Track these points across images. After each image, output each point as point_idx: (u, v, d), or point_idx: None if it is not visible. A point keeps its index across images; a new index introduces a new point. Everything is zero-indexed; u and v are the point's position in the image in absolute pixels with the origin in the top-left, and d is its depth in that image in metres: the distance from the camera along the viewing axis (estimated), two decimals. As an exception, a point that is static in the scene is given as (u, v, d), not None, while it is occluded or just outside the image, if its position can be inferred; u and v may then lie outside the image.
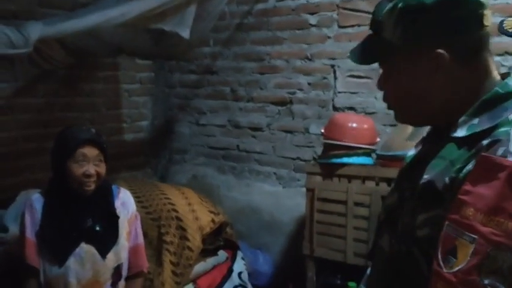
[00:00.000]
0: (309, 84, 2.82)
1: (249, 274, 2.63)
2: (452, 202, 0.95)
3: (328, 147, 2.29)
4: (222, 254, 2.52)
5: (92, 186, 1.84)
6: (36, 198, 1.89)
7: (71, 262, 1.81)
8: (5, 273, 2.06)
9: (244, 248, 2.81)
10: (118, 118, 3.31)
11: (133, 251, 1.98)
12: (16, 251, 1.91)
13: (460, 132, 0.91)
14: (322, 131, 2.34)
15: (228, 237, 2.60)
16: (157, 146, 3.56)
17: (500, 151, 0.79)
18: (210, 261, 2.43)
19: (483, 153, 0.82)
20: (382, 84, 1.00)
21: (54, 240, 1.83)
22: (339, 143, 2.21)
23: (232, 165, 3.23)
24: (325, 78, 2.73)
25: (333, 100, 2.72)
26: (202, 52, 3.26)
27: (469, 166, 0.86)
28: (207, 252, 2.41)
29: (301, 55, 2.81)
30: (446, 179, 0.98)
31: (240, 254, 2.63)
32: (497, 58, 2.21)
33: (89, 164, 1.80)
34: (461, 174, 0.95)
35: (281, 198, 2.92)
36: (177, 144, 3.52)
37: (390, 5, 1.01)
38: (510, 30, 0.72)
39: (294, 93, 2.88)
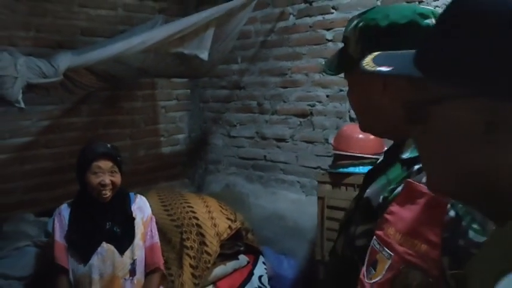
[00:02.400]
0: (327, 96, 2.93)
1: (271, 278, 2.78)
2: (380, 219, 1.07)
3: (336, 157, 2.41)
4: (243, 259, 2.69)
5: (108, 194, 2.10)
6: (64, 208, 2.19)
7: (94, 260, 2.07)
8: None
9: (270, 253, 2.97)
10: (156, 133, 3.59)
11: (149, 250, 2.21)
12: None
13: (405, 154, 0.96)
14: (332, 142, 2.45)
15: (250, 242, 2.76)
16: (194, 157, 3.81)
17: (424, 179, 0.82)
18: (230, 265, 2.61)
19: (408, 179, 0.88)
20: (347, 93, 1.08)
21: (79, 242, 2.11)
22: (345, 153, 2.32)
23: (260, 175, 3.40)
24: (341, 90, 2.84)
25: (349, 111, 2.82)
26: (231, 69, 3.47)
27: (399, 188, 0.91)
28: (226, 256, 2.59)
29: (319, 69, 2.94)
30: (381, 198, 1.09)
31: (261, 259, 2.78)
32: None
33: (105, 174, 2.07)
34: (391, 195, 1.06)
35: (304, 206, 3.05)
36: (211, 156, 3.75)
37: (355, 22, 1.12)
38: (368, 68, 0.77)
39: (313, 105, 3.01)
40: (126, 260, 2.12)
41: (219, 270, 2.55)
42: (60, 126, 3.03)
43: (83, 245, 2.10)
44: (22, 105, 1.86)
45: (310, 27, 2.96)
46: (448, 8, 0.58)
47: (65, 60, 2.03)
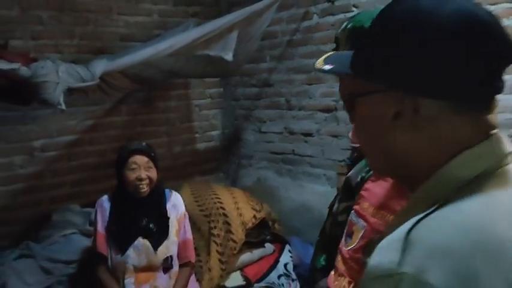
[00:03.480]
0: (349, 91, 3.03)
1: (297, 266, 2.92)
2: (357, 196, 1.23)
3: (353, 150, 2.51)
4: (269, 247, 2.86)
5: (145, 189, 2.28)
6: (105, 200, 2.39)
7: (130, 252, 2.26)
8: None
9: (298, 242, 3.11)
10: (191, 130, 3.81)
11: (182, 245, 2.39)
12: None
13: None
14: (350, 135, 2.55)
15: (277, 232, 2.92)
16: (227, 152, 4.00)
17: None
18: (257, 252, 2.78)
19: None
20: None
21: (118, 235, 2.30)
22: (359, 146, 2.42)
23: (289, 168, 3.55)
24: (363, 85, 2.92)
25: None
26: (260, 68, 3.63)
27: None
28: (253, 244, 2.76)
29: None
30: (359, 177, 1.25)
31: (287, 247, 2.93)
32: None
33: (141, 169, 2.25)
34: (367, 175, 1.23)
35: (330, 198, 3.13)
36: (243, 151, 3.93)
37: (345, 24, 1.25)
38: (317, 66, 0.88)
39: (337, 100, 3.11)
40: (160, 255, 2.29)
41: (246, 257, 2.72)
42: (102, 125, 3.30)
43: (120, 237, 2.29)
44: (63, 107, 2.10)
45: (333, 25, 3.06)
46: (374, 19, 0.72)
47: (101, 66, 2.26)
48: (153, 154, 2.31)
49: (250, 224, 2.70)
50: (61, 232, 2.78)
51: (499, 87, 0.67)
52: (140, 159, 2.25)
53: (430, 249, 0.55)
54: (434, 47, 0.62)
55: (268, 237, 2.85)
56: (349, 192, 1.30)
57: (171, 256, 2.31)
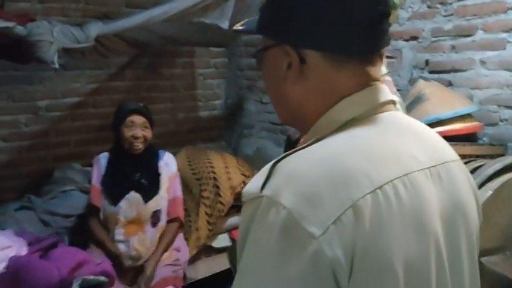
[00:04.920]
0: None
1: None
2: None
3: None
4: (258, 212, 2.94)
5: (140, 146, 2.42)
6: (103, 156, 2.55)
7: (122, 204, 2.41)
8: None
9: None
10: (194, 98, 3.89)
11: (172, 202, 2.52)
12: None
13: None
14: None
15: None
16: (230, 121, 4.08)
17: None
18: (245, 216, 2.87)
19: None
20: None
21: (111, 187, 2.46)
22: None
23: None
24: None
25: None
26: (264, 38, 3.66)
27: None
28: (241, 208, 2.84)
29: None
30: (298, 134, 1.34)
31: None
32: (504, 35, 2.25)
33: (137, 128, 2.39)
34: None
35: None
36: (245, 120, 4.00)
37: None
38: (234, 27, 0.95)
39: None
40: (150, 208, 2.44)
41: (234, 220, 2.82)
42: (106, 89, 3.41)
43: (114, 189, 2.45)
44: (57, 66, 2.20)
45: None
46: None
47: (95, 28, 2.35)
48: (149, 115, 2.44)
49: (239, 189, 2.79)
50: (61, 188, 2.92)
51: (380, 42, 0.72)
52: (137, 118, 2.38)
53: (285, 176, 0.63)
54: (312, 3, 0.69)
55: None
56: (291, 148, 1.37)
57: (159, 210, 2.44)
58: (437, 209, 0.69)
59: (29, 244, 2.05)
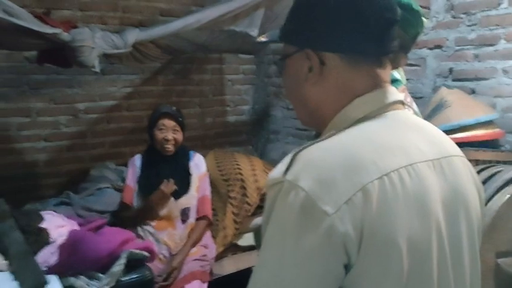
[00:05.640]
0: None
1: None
2: None
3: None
4: (283, 213, 3.04)
5: (171, 148, 2.55)
6: (137, 157, 2.69)
7: None
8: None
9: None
10: (223, 103, 4.03)
11: (201, 201, 2.64)
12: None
13: None
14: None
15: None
16: (257, 127, 4.20)
17: None
18: (270, 217, 2.97)
19: None
20: None
21: (146, 187, 2.59)
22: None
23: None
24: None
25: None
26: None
27: None
28: (266, 209, 2.95)
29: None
30: None
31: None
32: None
33: (168, 131, 2.52)
34: None
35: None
36: (272, 126, 4.11)
37: None
38: (258, 39, 1.06)
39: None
40: (179, 206, 2.57)
41: (259, 220, 2.92)
42: (139, 93, 3.58)
43: (148, 189, 2.59)
44: (97, 70, 2.36)
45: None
46: None
47: (133, 35, 2.51)
48: (180, 119, 2.57)
49: (264, 190, 2.88)
50: (97, 186, 3.09)
51: (390, 46, 0.83)
52: (168, 122, 2.52)
53: (304, 164, 0.73)
54: (329, 11, 0.80)
55: (282, 204, 3.02)
56: None
57: (188, 208, 2.57)
58: (438, 195, 0.77)
59: (80, 225, 2.22)
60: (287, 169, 0.73)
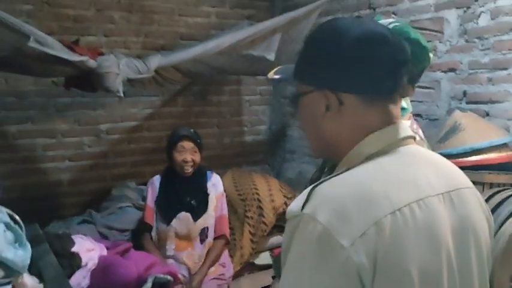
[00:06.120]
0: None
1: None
2: None
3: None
4: (299, 233, 3.09)
5: (190, 170, 2.63)
6: (156, 178, 2.77)
7: (174, 222, 2.62)
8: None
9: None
10: (240, 123, 4.11)
11: (218, 220, 2.71)
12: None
13: None
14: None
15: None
16: (274, 146, 4.27)
17: None
18: (286, 237, 3.02)
19: None
20: None
21: (165, 208, 2.67)
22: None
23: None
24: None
25: (404, 108, 3.04)
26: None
27: None
28: (282, 228, 2.99)
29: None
30: None
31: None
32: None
33: (187, 153, 2.60)
34: None
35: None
36: (288, 146, 4.18)
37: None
38: (269, 76, 1.07)
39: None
40: (198, 226, 2.64)
41: (276, 239, 2.98)
42: (159, 114, 3.69)
43: (167, 210, 2.67)
44: (122, 94, 2.47)
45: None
46: (307, 35, 0.96)
47: (155, 61, 2.62)
48: (198, 140, 2.66)
49: (281, 210, 2.95)
50: (118, 204, 3.18)
51: (400, 84, 0.89)
52: (187, 144, 2.60)
53: (321, 198, 0.79)
54: (346, 53, 0.86)
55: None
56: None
57: (207, 228, 2.63)
58: (448, 226, 0.82)
59: (107, 248, 2.31)
60: (305, 203, 0.79)
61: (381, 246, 0.74)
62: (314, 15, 3.05)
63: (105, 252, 2.24)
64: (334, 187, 0.80)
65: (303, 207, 0.79)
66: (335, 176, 0.83)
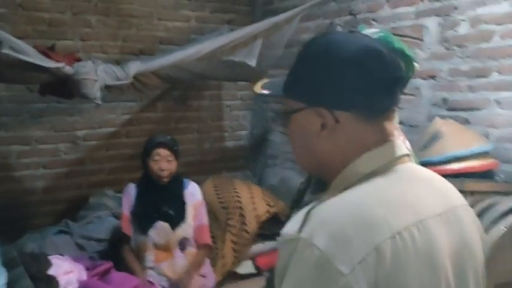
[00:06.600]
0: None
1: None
2: None
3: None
4: (281, 241, 3.06)
5: (166, 180, 2.57)
6: (132, 186, 2.70)
7: (151, 232, 2.56)
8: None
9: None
10: (221, 128, 4.07)
11: (198, 229, 2.65)
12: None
13: None
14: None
15: (290, 228, 3.12)
16: (255, 152, 4.23)
17: None
18: (269, 244, 3.00)
19: None
20: None
21: (140, 217, 2.60)
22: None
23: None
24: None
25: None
26: (285, 74, 3.83)
27: None
28: (266, 236, 2.98)
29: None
30: None
31: (299, 243, 3.13)
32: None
33: (162, 161, 2.54)
34: None
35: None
36: (270, 151, 4.15)
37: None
38: (255, 90, 1.02)
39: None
40: (177, 236, 2.58)
41: (258, 247, 2.95)
42: (138, 120, 3.62)
43: (143, 219, 2.60)
44: (99, 102, 2.41)
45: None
46: (300, 50, 0.93)
47: (134, 67, 2.56)
48: (175, 148, 2.60)
49: (263, 218, 2.92)
50: (96, 213, 3.11)
51: (396, 101, 0.87)
52: (163, 151, 2.54)
53: (319, 221, 0.76)
54: (343, 72, 0.83)
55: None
56: (321, 185, 1.48)
57: (186, 238, 2.58)
58: (446, 249, 0.81)
59: (87, 269, 2.22)
60: (302, 226, 0.76)
61: (381, 273, 0.72)
62: (296, 20, 3.03)
63: (84, 274, 2.16)
64: (332, 210, 0.77)
65: (299, 230, 0.75)
66: (332, 197, 0.80)
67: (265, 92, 1.00)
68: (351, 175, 0.84)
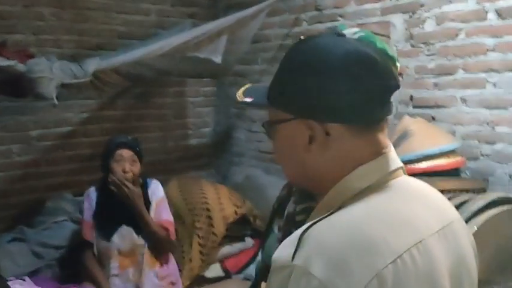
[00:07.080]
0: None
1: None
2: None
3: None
4: (249, 241, 3.01)
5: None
6: (92, 191, 2.56)
7: (115, 238, 2.43)
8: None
9: (279, 239, 3.26)
10: (184, 126, 3.95)
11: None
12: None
13: None
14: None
15: (258, 227, 3.07)
16: (219, 149, 4.14)
17: None
18: (237, 246, 2.93)
19: None
20: None
21: (103, 222, 2.47)
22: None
23: (278, 168, 3.67)
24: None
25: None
26: (253, 69, 3.76)
27: None
28: (233, 238, 2.91)
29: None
30: None
31: (267, 243, 3.08)
32: (483, 75, 2.39)
33: (125, 163, 2.41)
34: None
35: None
36: (235, 148, 4.07)
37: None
38: (237, 98, 0.95)
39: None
40: (143, 240, 2.46)
41: (226, 249, 2.88)
42: (97, 118, 3.45)
43: (106, 225, 2.46)
44: (55, 101, 2.25)
45: (321, 32, 3.19)
46: (284, 55, 0.85)
47: (93, 64, 2.42)
48: (138, 148, 2.47)
49: (231, 219, 2.85)
50: (54, 219, 2.94)
51: (388, 110, 0.81)
52: (126, 152, 2.41)
53: (315, 246, 0.69)
54: (331, 81, 0.77)
55: (249, 232, 2.99)
56: (305, 194, 1.40)
57: None
58: (445, 268, 0.78)
59: None
60: (295, 251, 0.69)
61: None
62: (261, 15, 2.96)
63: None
64: (328, 233, 0.71)
65: (293, 256, 0.69)
66: (326, 217, 0.74)
67: (248, 100, 0.92)
68: (344, 191, 0.79)
